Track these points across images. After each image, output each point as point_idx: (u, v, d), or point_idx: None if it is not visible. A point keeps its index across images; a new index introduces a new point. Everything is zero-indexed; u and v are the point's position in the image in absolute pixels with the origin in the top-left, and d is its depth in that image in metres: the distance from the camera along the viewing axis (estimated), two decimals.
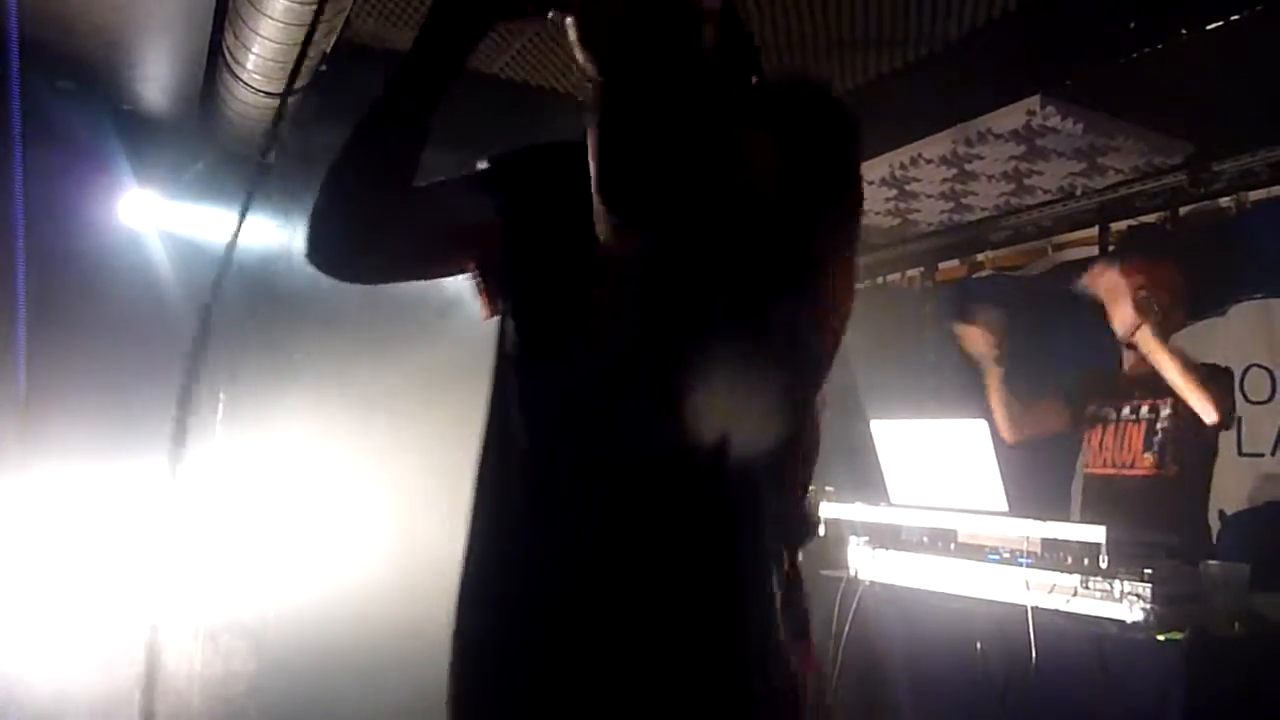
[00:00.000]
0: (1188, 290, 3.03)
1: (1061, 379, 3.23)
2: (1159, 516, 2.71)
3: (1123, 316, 2.84)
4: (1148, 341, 2.79)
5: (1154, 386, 2.87)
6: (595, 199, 0.98)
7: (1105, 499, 2.96)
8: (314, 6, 2.49)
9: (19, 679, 3.10)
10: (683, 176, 0.97)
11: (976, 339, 3.15)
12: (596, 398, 1.10)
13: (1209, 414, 2.71)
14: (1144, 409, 2.92)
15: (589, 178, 1.00)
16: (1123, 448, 2.94)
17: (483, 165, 1.31)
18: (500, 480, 1.17)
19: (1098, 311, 3.10)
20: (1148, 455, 2.88)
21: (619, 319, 1.09)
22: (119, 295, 3.46)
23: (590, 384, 1.11)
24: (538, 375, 1.16)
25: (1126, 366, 3.02)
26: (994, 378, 3.12)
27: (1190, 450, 2.82)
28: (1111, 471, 2.97)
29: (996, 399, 3.11)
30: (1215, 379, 2.81)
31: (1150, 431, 2.87)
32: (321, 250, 1.21)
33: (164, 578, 3.46)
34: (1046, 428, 3.15)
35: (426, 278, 1.33)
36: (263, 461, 3.64)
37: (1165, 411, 2.84)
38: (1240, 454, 3.34)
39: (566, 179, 1.09)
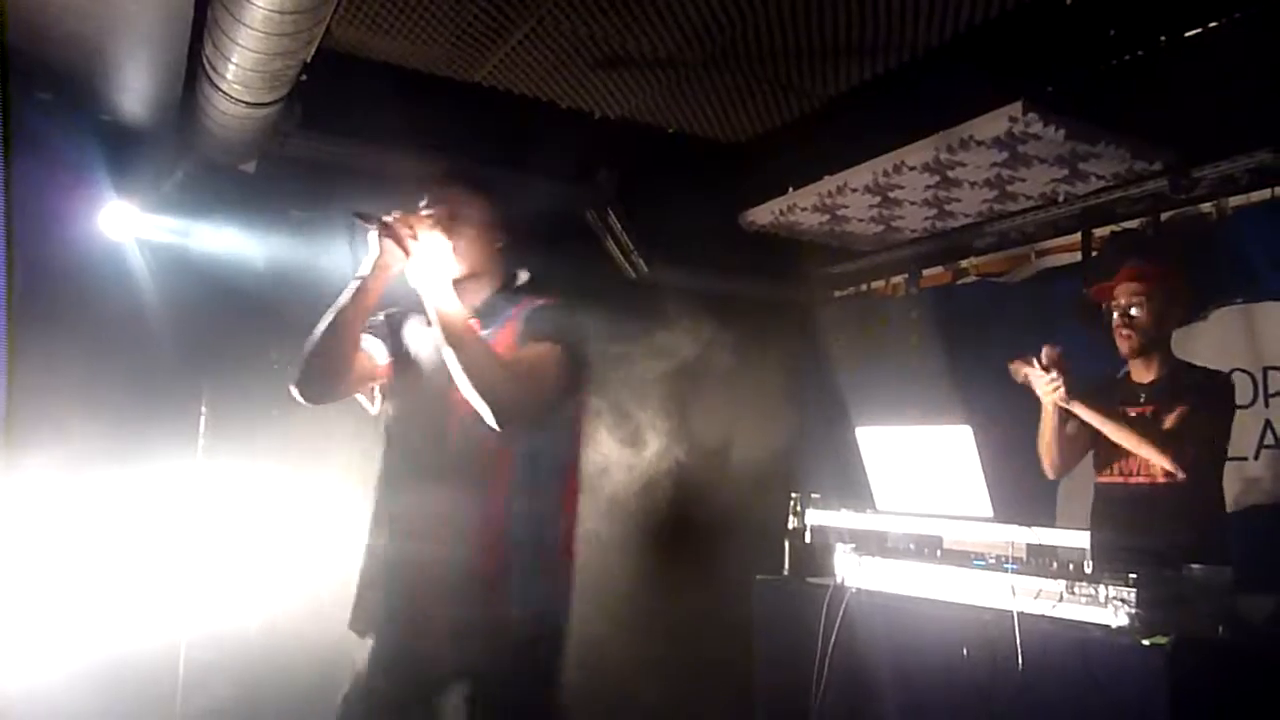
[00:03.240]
0: (1179, 290, 3.02)
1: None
2: (1170, 522, 2.70)
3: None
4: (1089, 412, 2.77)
5: (1160, 393, 2.87)
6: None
7: (1118, 508, 2.91)
8: (293, 16, 2.48)
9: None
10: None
11: (1038, 381, 2.83)
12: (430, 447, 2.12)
13: (1167, 466, 2.72)
14: (1149, 415, 2.90)
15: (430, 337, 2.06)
16: (1129, 455, 2.88)
17: (378, 319, 2.23)
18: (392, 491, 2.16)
19: (1090, 318, 3.10)
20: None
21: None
22: (99, 305, 3.43)
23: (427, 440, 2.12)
24: (401, 438, 2.19)
25: (1133, 374, 3.01)
26: (1054, 417, 2.90)
27: (1200, 453, 2.79)
28: (1119, 479, 2.93)
29: (1053, 439, 2.93)
30: (1207, 398, 2.81)
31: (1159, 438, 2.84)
32: (310, 387, 2.12)
33: (150, 588, 3.44)
34: (1079, 454, 3.05)
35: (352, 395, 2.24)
36: (250, 469, 3.61)
37: (1173, 417, 2.81)
38: (1226, 458, 3.35)
39: (418, 333, 2.19)
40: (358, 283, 2.06)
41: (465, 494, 2.02)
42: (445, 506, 2.02)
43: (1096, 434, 2.95)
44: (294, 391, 2.07)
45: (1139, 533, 2.37)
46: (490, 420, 1.93)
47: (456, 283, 2.04)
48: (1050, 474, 3.04)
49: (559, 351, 2.06)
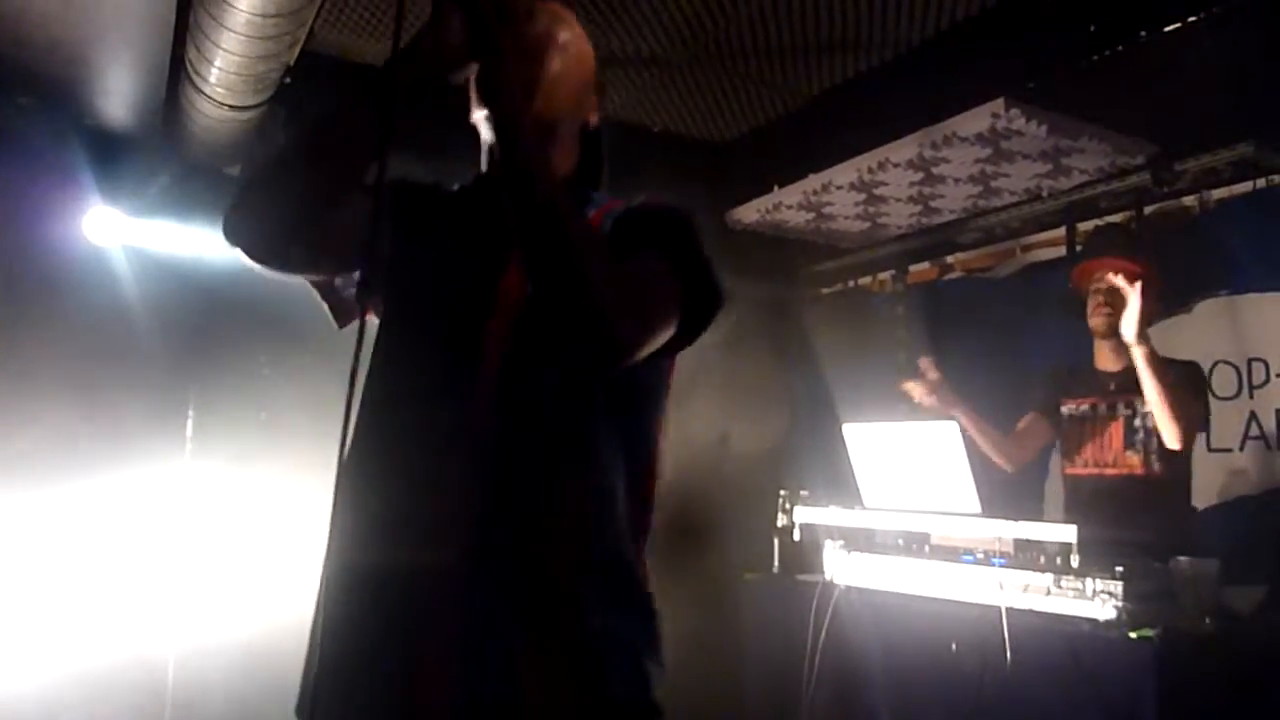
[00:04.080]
0: (1158, 280, 3.05)
1: (1030, 387, 3.22)
2: (1147, 514, 2.71)
3: (1130, 316, 2.68)
4: (1146, 350, 2.68)
5: (1130, 382, 2.86)
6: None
7: (1089, 500, 2.93)
8: (275, 19, 2.47)
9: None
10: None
11: (917, 393, 3.02)
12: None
13: (1173, 441, 2.70)
14: (1120, 405, 2.91)
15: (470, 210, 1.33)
16: (1103, 447, 2.92)
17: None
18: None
19: (1073, 309, 3.11)
20: (1130, 454, 2.86)
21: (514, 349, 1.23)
22: (84, 310, 3.41)
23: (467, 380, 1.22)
24: (388, 399, 1.26)
25: (1098, 362, 3.03)
26: (964, 420, 2.96)
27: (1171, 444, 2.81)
28: (1094, 471, 2.95)
29: (980, 439, 2.99)
30: (1187, 382, 2.81)
31: (1130, 429, 2.85)
32: (252, 231, 1.24)
33: (138, 595, 3.43)
34: (1037, 445, 3.11)
35: (326, 274, 1.38)
36: (239, 474, 3.60)
37: (1144, 409, 2.81)
38: (1210, 449, 3.38)
39: (450, 205, 1.38)
40: (379, 79, 1.18)
41: (508, 499, 1.19)
42: (465, 522, 1.19)
43: (1061, 425, 3.00)
44: (223, 228, 1.23)
45: (1118, 525, 2.39)
46: (603, 347, 1.15)
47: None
48: (1007, 468, 3.07)
49: (675, 275, 1.28)
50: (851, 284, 4.97)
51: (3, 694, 3.08)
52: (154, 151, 3.56)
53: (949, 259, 4.52)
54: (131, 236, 3.58)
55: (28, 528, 3.23)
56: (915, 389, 2.99)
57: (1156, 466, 2.81)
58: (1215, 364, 3.39)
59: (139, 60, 2.99)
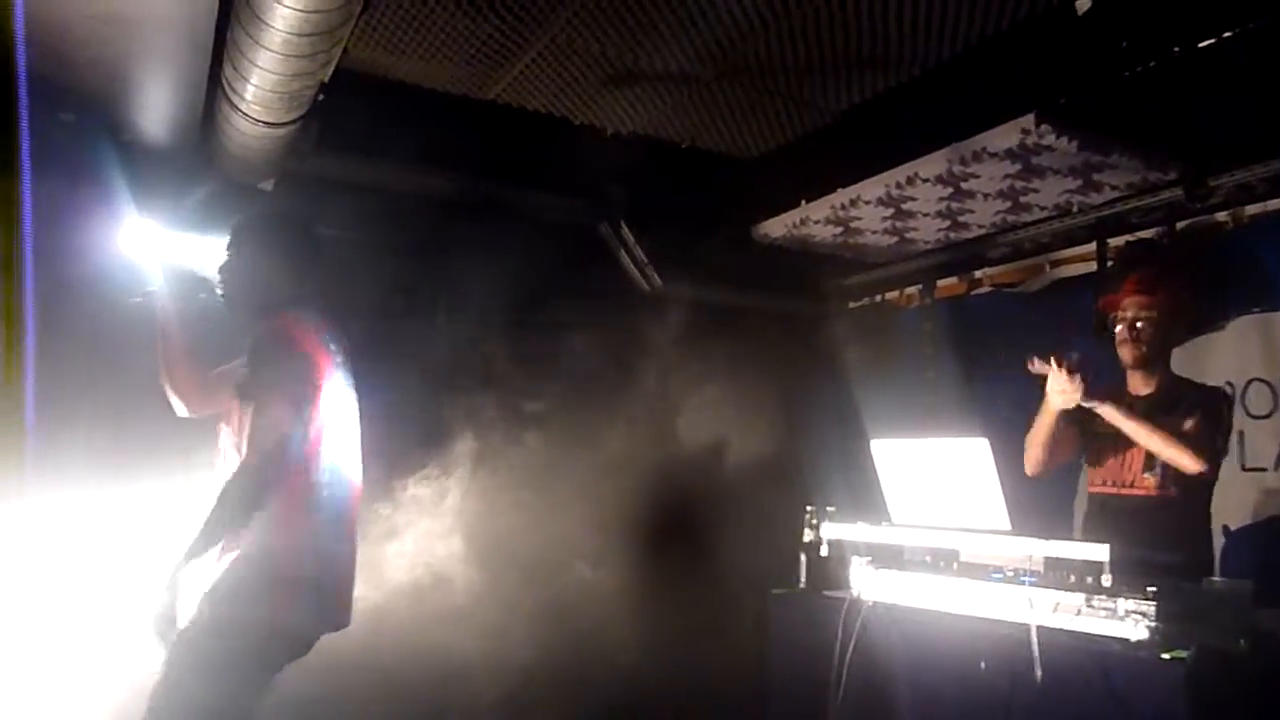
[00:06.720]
0: (1186, 307, 3.04)
1: None
2: (1161, 536, 2.69)
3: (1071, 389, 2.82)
4: (1109, 409, 2.82)
5: (1158, 407, 2.87)
6: None
7: (1106, 518, 2.95)
8: (310, 38, 2.51)
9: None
10: None
11: (1063, 382, 2.89)
12: None
13: (1190, 468, 2.73)
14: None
15: None
16: (1124, 467, 2.94)
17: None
18: None
19: (1104, 333, 3.10)
20: (1148, 476, 2.88)
21: None
22: (119, 321, 3.46)
23: None
24: None
25: (1130, 385, 3.02)
26: (1053, 418, 2.95)
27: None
28: (1112, 491, 2.97)
29: (1046, 437, 2.99)
30: (1205, 409, 2.82)
31: (1150, 453, 2.86)
32: None
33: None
34: (1065, 456, 3.11)
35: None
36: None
37: (1188, 422, 2.81)
38: (1243, 469, 3.34)
39: None
40: None
41: None
42: None
43: (1088, 440, 2.98)
44: None
45: (1132, 545, 2.37)
46: None
47: None
48: (1030, 470, 3.06)
49: None
50: (879, 299, 4.96)
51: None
52: (190, 167, 3.62)
53: (977, 274, 4.50)
54: (166, 250, 3.63)
55: (62, 533, 3.27)
56: (1054, 377, 2.87)
57: (1172, 490, 2.83)
58: (1249, 382, 3.36)
59: (177, 78, 3.05)
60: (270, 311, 2.55)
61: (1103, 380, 3.09)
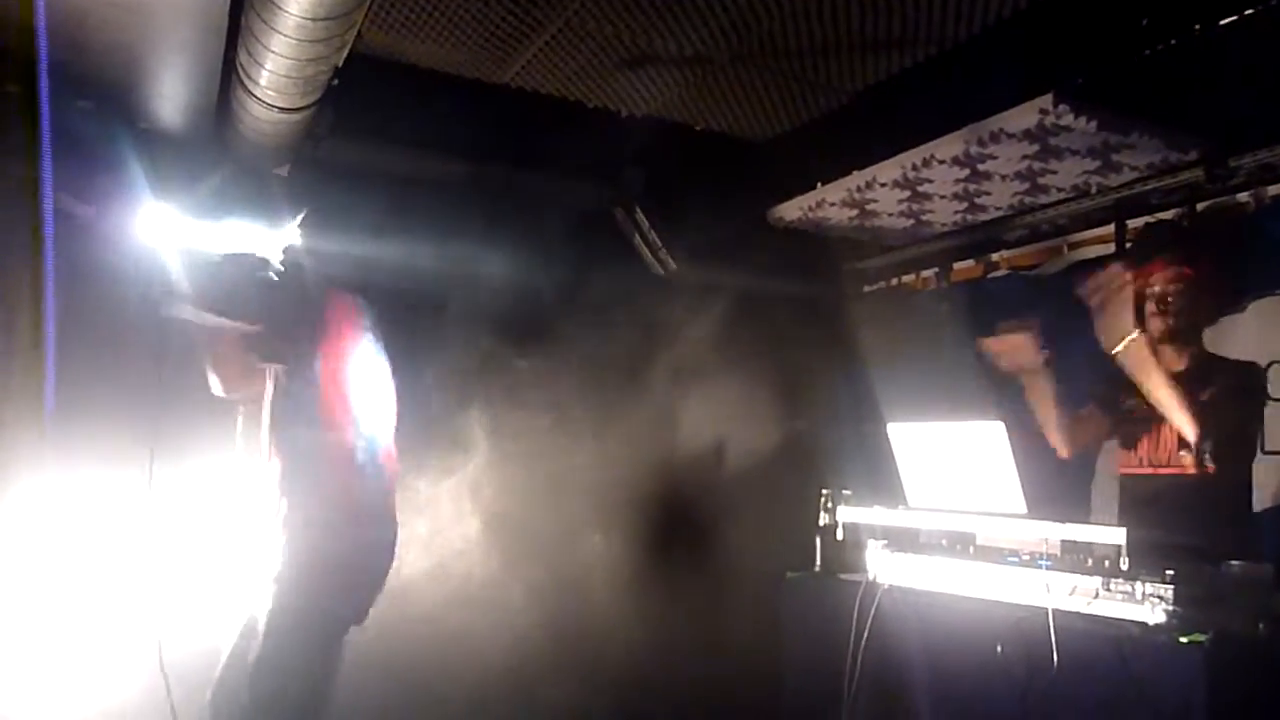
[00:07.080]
0: (1213, 281, 3.01)
1: (1094, 382, 3.18)
2: (1200, 515, 2.68)
3: (1115, 326, 2.78)
4: (1139, 353, 2.76)
5: (1190, 383, 2.83)
6: None
7: (1145, 499, 2.91)
8: (325, 22, 2.51)
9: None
10: None
11: (1020, 348, 3.00)
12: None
13: (1189, 432, 2.72)
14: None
15: None
16: (1159, 445, 2.91)
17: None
18: None
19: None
20: (1184, 453, 2.84)
21: None
22: (136, 307, 3.48)
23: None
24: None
25: (1162, 362, 2.99)
26: (1044, 391, 2.99)
27: (1228, 446, 2.78)
28: (1149, 470, 2.93)
29: (1049, 412, 2.99)
30: (1238, 384, 2.80)
31: (1183, 431, 2.82)
32: None
33: (172, 598, 3.49)
34: (1093, 436, 3.09)
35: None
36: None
37: (1204, 396, 2.79)
38: (1264, 452, 3.30)
39: None
40: None
41: None
42: None
43: (1118, 421, 2.96)
44: None
45: (1172, 527, 2.35)
46: None
47: None
48: (1062, 453, 3.04)
49: None
50: (895, 282, 4.93)
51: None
52: (205, 152, 3.63)
53: (994, 256, 4.47)
54: (183, 236, 3.64)
55: (72, 522, 3.31)
56: (1014, 343, 2.98)
57: (1211, 467, 2.76)
58: (1270, 364, 3.32)
59: (192, 64, 3.06)
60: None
61: (1079, 352, 3.07)
